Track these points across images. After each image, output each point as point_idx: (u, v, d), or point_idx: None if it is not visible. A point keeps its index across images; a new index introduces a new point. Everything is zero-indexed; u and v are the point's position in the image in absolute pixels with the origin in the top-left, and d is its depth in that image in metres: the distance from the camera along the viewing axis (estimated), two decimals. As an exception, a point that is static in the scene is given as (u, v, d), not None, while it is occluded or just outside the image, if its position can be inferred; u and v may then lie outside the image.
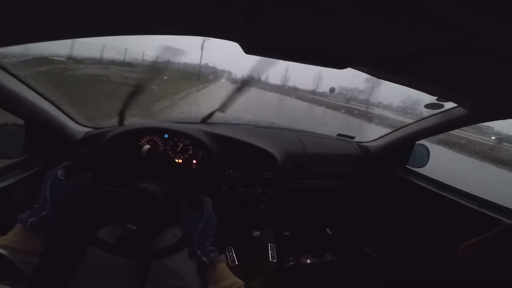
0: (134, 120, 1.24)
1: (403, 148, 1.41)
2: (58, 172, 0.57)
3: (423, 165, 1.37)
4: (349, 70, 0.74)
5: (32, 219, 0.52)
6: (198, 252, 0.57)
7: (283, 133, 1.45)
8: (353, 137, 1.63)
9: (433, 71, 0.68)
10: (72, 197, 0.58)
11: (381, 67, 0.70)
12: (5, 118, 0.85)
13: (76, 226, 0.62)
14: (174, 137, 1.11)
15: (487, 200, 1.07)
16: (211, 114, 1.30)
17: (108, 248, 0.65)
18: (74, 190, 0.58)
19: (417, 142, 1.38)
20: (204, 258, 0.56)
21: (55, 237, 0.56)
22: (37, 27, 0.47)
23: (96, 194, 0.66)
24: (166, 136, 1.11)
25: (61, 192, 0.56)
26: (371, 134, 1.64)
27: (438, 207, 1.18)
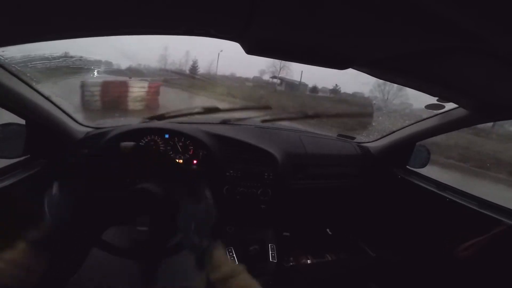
0: (134, 120, 1.24)
1: (404, 148, 1.41)
2: (53, 190, 0.57)
3: (423, 165, 1.37)
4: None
5: (36, 237, 0.52)
6: (196, 239, 0.56)
7: (283, 133, 1.45)
8: (353, 138, 1.63)
9: (434, 72, 0.68)
10: (69, 209, 0.58)
11: (382, 68, 0.70)
12: (6, 117, 0.85)
13: (79, 232, 0.62)
14: (175, 137, 1.12)
15: (487, 200, 1.07)
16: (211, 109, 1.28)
17: (117, 252, 0.65)
18: (69, 202, 0.58)
19: (417, 143, 1.38)
20: (202, 244, 0.55)
21: (60, 250, 0.55)
22: (37, 27, 0.47)
23: (95, 199, 0.66)
24: (166, 136, 1.11)
25: (58, 207, 0.56)
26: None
27: (438, 207, 1.18)
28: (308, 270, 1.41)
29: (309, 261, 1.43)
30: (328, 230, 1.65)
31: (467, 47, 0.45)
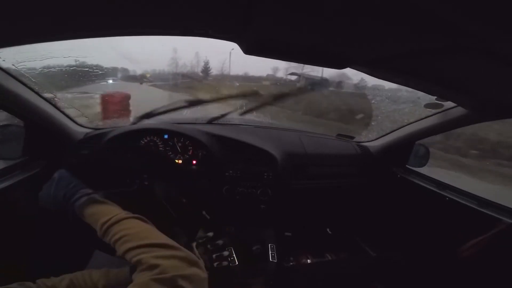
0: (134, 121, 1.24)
1: (403, 148, 1.41)
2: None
3: (423, 165, 1.37)
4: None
5: None
6: (70, 201, 0.53)
7: (283, 133, 1.45)
8: (353, 137, 1.63)
9: (433, 72, 0.68)
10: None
11: (380, 68, 0.70)
12: (6, 119, 0.85)
13: (81, 233, 0.62)
14: (174, 138, 1.12)
15: (487, 199, 1.07)
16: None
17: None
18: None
19: (417, 142, 1.38)
20: (75, 204, 0.53)
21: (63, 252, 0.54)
22: (37, 28, 0.47)
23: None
24: (165, 136, 1.11)
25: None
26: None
27: (438, 206, 1.18)
28: (308, 270, 1.41)
29: (309, 261, 1.43)
30: (328, 229, 1.65)
31: (465, 47, 0.45)
